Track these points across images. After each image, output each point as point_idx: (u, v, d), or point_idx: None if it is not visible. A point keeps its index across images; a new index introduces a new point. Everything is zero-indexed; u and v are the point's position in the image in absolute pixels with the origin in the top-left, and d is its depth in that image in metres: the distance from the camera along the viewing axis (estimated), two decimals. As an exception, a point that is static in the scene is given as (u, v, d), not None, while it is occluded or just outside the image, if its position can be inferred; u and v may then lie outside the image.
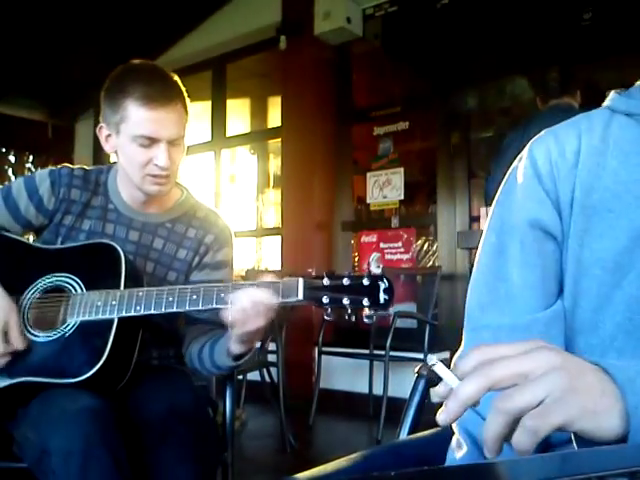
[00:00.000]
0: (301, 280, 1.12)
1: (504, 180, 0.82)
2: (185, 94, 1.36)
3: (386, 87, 4.34)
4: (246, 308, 1.13)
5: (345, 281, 1.09)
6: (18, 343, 1.22)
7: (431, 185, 3.98)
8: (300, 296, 1.11)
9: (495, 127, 3.89)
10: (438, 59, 3.87)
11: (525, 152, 0.81)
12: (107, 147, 1.37)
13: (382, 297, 1.07)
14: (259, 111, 5.46)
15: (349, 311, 1.10)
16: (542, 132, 0.81)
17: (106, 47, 4.59)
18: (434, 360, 0.55)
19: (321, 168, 4.26)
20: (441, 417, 0.52)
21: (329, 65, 4.32)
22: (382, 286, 1.07)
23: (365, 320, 1.12)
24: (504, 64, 3.63)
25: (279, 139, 4.53)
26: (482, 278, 0.80)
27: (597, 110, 0.80)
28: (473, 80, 3.76)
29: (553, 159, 0.77)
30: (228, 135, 5.09)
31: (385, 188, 4.08)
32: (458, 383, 0.53)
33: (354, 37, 4.15)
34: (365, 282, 1.08)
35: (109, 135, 1.35)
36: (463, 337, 0.78)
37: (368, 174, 4.18)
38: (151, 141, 1.29)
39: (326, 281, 1.10)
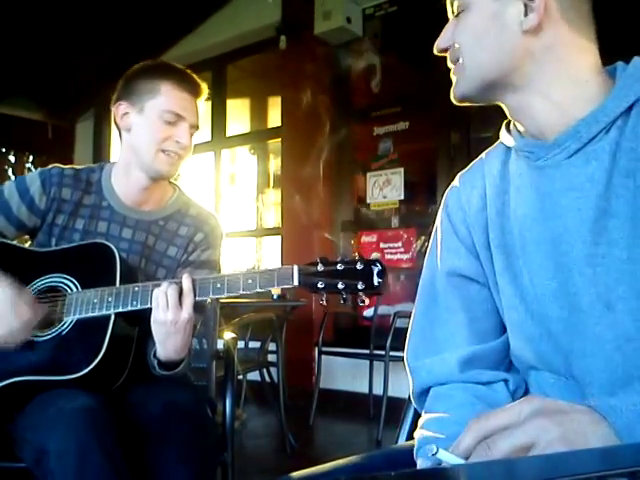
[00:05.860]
0: (296, 267, 1.13)
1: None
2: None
3: (386, 87, 4.33)
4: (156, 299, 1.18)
5: (339, 266, 1.10)
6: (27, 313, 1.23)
7: (431, 185, 3.97)
8: (295, 282, 1.12)
9: (495, 127, 3.88)
10: (438, 59, 3.86)
11: (443, 202, 0.88)
12: (121, 124, 1.40)
13: (376, 280, 1.09)
14: (259, 111, 5.45)
15: (344, 296, 1.11)
16: (456, 178, 0.88)
17: (106, 47, 4.59)
18: (434, 449, 0.55)
19: (321, 168, 4.25)
20: None
21: (329, 65, 4.31)
22: (375, 270, 1.09)
23: (360, 303, 1.14)
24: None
25: (279, 139, 4.53)
26: (419, 326, 0.86)
27: (496, 146, 0.86)
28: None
29: (463, 206, 0.83)
30: (228, 135, 5.09)
31: (385, 188, 4.08)
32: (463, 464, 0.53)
33: (354, 37, 4.15)
34: (359, 266, 1.09)
35: (126, 113, 1.39)
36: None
37: (368, 174, 4.18)
38: (177, 118, 1.36)
39: (320, 267, 1.11)
